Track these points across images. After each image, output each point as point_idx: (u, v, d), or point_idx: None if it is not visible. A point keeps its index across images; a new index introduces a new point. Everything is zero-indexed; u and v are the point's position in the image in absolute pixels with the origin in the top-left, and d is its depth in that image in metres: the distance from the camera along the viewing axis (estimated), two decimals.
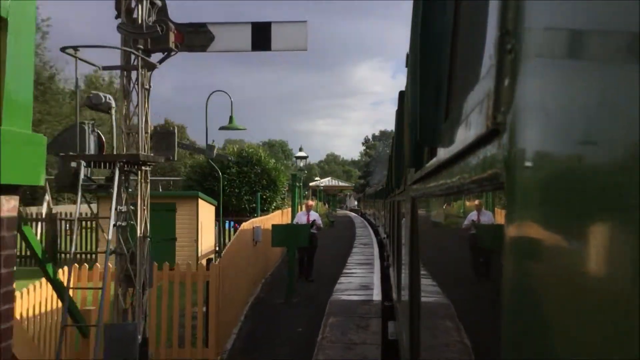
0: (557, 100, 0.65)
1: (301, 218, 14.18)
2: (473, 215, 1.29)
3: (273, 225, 13.09)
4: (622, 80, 0.47)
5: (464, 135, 1.23)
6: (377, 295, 11.44)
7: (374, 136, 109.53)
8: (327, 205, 64.77)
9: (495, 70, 0.91)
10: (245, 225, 12.45)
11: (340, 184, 77.33)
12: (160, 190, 30.76)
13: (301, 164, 24.18)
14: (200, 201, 15.84)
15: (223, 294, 8.74)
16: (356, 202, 73.82)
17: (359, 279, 13.36)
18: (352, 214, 56.49)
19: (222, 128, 14.81)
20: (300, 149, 23.95)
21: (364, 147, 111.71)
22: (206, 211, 16.61)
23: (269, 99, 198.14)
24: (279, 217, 19.81)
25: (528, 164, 0.75)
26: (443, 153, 1.71)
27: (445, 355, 1.90)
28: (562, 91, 0.64)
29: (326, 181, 73.89)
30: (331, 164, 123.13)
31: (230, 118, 14.45)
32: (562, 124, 0.63)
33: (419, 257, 2.88)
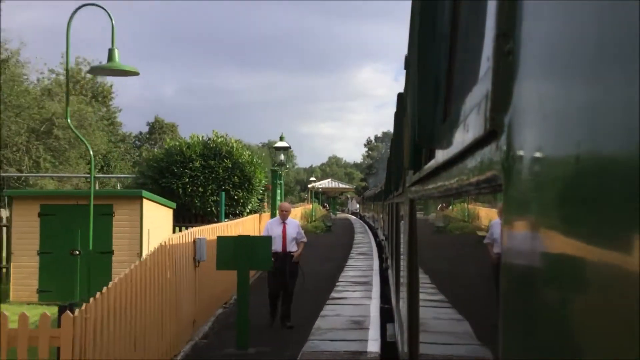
0: (555, 102, 0.65)
1: (273, 229, 9.45)
2: (495, 224, 1.27)
3: (218, 238, 8.73)
4: (621, 82, 0.47)
5: (462, 137, 1.23)
6: (374, 340, 7.31)
7: (376, 137, 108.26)
8: (327, 207, 63.00)
9: (493, 72, 0.91)
10: (176, 238, 8.14)
11: (341, 185, 73.61)
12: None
13: (282, 156, 19.68)
14: (145, 202, 12.00)
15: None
16: (358, 205, 72.08)
17: (351, 309, 9.38)
18: (353, 218, 53.32)
19: (93, 70, 9.35)
20: (281, 138, 19.63)
21: (367, 149, 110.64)
22: (157, 215, 12.67)
23: (271, 102, 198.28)
24: (251, 223, 15.09)
25: (526, 165, 0.75)
26: (441, 155, 1.71)
27: (443, 357, 1.90)
28: (560, 93, 0.64)
29: (325, 183, 70.73)
30: (333, 167, 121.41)
31: (110, 53, 8.28)
32: (559, 126, 0.63)
33: (417, 259, 2.88)
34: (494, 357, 0.97)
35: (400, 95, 6.02)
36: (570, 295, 0.58)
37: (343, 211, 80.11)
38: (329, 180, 75.81)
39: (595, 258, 0.52)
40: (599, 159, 0.52)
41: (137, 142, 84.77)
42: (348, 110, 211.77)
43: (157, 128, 78.45)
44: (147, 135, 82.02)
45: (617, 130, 0.47)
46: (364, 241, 24.52)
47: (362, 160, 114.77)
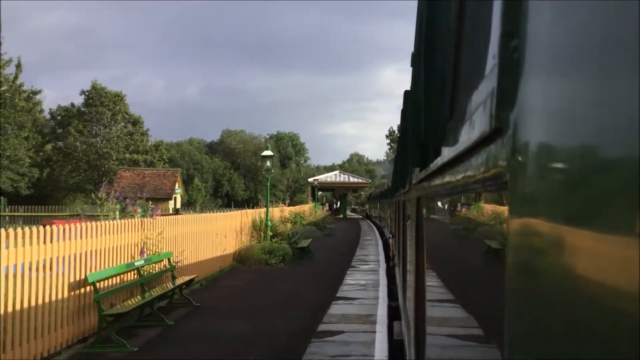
0: (561, 99, 0.65)
1: None
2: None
3: None
4: (627, 79, 0.47)
5: (468, 135, 1.23)
6: None
7: (399, 127, 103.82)
8: (333, 208, 53.68)
9: (499, 70, 0.91)
10: None
11: (352, 179, 54.47)
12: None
13: None
14: None
15: None
16: None
17: None
18: (366, 224, 41.08)
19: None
20: None
21: (389, 140, 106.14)
22: None
23: (295, 102, 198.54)
24: None
25: (532, 163, 0.74)
26: (447, 152, 1.71)
27: (449, 355, 1.90)
28: (566, 90, 0.64)
29: (332, 176, 53.65)
30: (354, 164, 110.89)
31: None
32: (565, 123, 0.63)
33: (424, 256, 2.88)
34: (501, 356, 0.96)
35: (406, 93, 6.01)
36: (579, 295, 0.58)
37: (363, 212, 63.26)
38: (337, 172, 56.34)
39: (602, 256, 0.51)
40: (606, 157, 0.52)
41: (51, 121, 59.30)
42: (371, 110, 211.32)
43: (96, 99, 58.11)
44: (80, 109, 57.23)
45: (623, 127, 0.47)
46: (369, 286, 11.86)
47: (385, 157, 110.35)
